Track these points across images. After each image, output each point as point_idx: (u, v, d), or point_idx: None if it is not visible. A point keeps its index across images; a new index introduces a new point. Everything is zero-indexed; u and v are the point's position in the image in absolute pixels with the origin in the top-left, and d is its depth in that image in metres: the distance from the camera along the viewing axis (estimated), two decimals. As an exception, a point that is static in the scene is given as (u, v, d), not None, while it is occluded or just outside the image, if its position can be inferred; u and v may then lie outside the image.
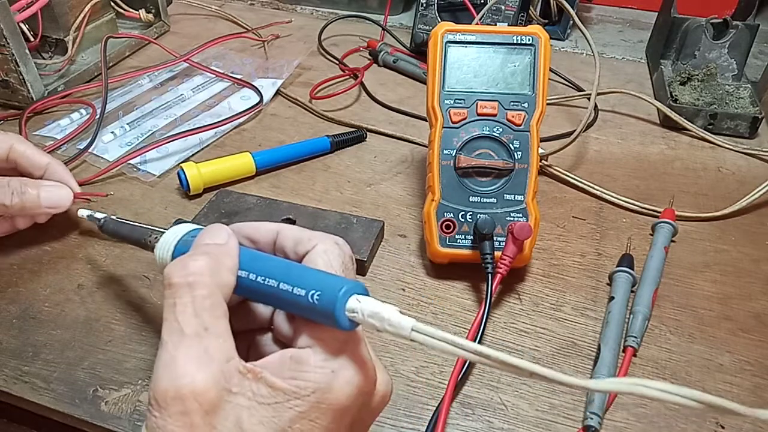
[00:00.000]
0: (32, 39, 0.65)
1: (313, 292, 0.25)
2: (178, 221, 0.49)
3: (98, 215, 0.43)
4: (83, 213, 0.44)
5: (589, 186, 0.57)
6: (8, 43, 0.59)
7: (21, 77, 0.62)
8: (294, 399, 0.24)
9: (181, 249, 0.30)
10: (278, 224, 0.30)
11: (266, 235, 0.30)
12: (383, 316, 0.24)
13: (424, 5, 0.78)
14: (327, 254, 0.28)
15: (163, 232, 0.33)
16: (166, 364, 0.23)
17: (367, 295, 0.25)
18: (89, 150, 0.58)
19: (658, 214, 0.53)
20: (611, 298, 0.44)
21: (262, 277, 0.26)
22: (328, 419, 0.25)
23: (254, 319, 0.31)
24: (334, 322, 0.24)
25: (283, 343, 0.30)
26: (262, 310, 0.31)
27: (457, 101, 0.46)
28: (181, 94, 0.69)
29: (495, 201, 0.45)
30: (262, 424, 0.24)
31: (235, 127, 0.64)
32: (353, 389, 0.25)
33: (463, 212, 0.45)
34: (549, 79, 0.48)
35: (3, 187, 0.43)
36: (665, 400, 0.20)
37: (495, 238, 0.44)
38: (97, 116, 0.61)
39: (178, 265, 0.25)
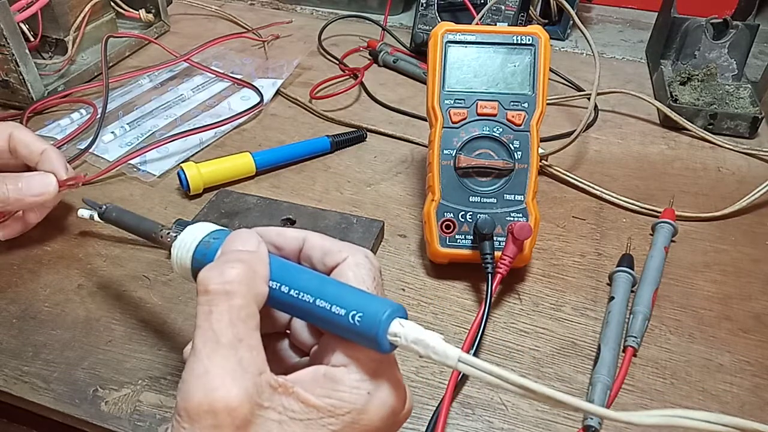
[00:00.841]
0: (32, 39, 0.65)
1: (354, 312, 0.24)
2: (178, 221, 0.49)
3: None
4: (83, 213, 0.44)
5: (589, 186, 0.57)
6: (8, 43, 0.59)
7: (21, 77, 0.62)
8: (328, 417, 0.24)
9: (202, 250, 0.29)
10: (305, 231, 0.30)
11: (292, 242, 0.29)
12: (428, 344, 0.23)
13: (424, 5, 0.78)
14: (358, 268, 0.27)
15: (170, 229, 0.33)
16: (199, 375, 0.23)
17: (407, 318, 0.25)
18: (90, 150, 0.58)
19: (658, 214, 0.53)
20: (611, 298, 0.44)
21: (296, 291, 0.26)
22: None
23: (272, 324, 0.31)
24: (376, 345, 0.24)
25: (300, 349, 0.30)
26: (280, 314, 0.31)
27: (457, 101, 0.46)
28: (181, 94, 0.69)
29: (495, 201, 0.45)
30: None
31: (235, 127, 0.64)
32: (387, 410, 0.25)
33: (463, 212, 0.45)
34: (549, 79, 0.48)
35: None
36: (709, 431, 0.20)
37: (495, 238, 0.44)
38: (98, 116, 0.62)
39: (216, 271, 0.25)
